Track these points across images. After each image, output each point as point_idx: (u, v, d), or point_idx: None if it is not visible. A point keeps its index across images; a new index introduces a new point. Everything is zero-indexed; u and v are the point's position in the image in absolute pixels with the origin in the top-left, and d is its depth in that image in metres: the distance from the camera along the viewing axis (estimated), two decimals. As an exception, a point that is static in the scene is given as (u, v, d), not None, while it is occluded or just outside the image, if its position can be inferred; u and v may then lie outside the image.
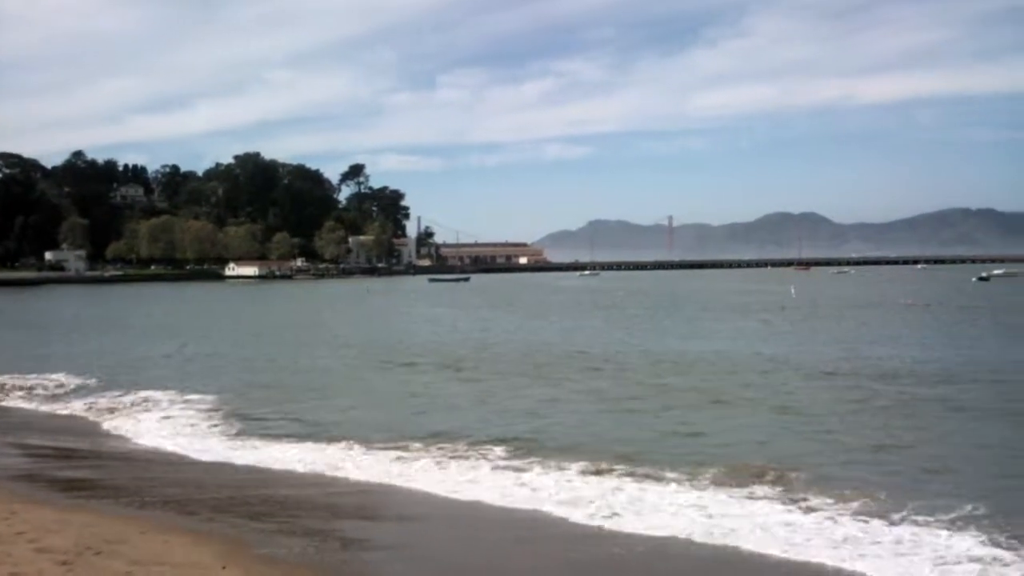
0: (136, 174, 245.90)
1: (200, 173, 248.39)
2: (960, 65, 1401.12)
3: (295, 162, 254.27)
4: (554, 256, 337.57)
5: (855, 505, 15.28)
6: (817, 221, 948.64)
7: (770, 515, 14.84)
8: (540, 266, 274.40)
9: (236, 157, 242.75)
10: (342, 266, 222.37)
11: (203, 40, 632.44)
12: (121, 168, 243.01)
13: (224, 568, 12.06)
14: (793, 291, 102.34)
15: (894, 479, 17.04)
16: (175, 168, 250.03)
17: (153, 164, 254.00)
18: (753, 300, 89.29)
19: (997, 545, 13.15)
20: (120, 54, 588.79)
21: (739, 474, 17.50)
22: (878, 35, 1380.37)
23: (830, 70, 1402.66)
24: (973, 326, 52.93)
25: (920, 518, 14.53)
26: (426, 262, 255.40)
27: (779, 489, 16.48)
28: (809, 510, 15.14)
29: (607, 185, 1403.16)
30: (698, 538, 13.85)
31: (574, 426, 23.26)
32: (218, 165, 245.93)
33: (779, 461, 18.43)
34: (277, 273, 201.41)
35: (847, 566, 12.52)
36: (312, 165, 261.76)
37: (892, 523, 14.36)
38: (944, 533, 13.74)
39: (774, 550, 13.18)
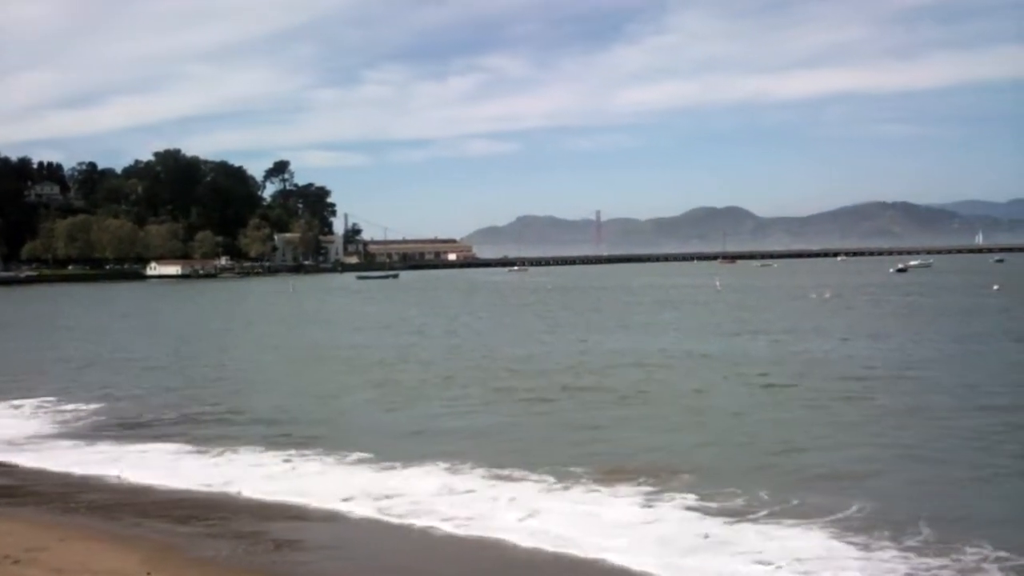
0: (51, 172, 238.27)
1: (119, 171, 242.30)
2: (873, 63, 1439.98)
3: (218, 159, 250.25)
4: (483, 252, 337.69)
5: (713, 505, 15.07)
6: (741, 215, 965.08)
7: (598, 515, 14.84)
8: (469, 262, 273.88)
9: (156, 154, 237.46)
10: (268, 264, 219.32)
11: (119, 33, 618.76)
12: (36, 166, 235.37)
13: (149, 574, 11.98)
14: (718, 284, 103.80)
15: (780, 479, 16.76)
16: (92, 165, 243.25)
17: (69, 162, 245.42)
18: (680, 294, 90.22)
19: (845, 543, 13.07)
20: (32, 47, 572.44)
21: (605, 473, 17.22)
22: (795, 33, 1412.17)
23: (750, 67, 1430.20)
24: (897, 319, 54.05)
25: (778, 519, 14.27)
26: (354, 259, 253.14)
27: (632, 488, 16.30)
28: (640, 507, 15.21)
29: (535, 181, 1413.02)
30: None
31: (459, 427, 23.01)
32: (137, 162, 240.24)
33: (658, 461, 18.26)
34: (201, 272, 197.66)
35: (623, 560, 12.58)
36: (235, 162, 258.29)
37: (729, 521, 14.29)
38: (791, 532, 13.57)
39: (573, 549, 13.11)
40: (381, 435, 21.96)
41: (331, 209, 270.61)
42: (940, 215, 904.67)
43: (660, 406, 24.79)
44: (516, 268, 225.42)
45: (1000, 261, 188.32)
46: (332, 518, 15.32)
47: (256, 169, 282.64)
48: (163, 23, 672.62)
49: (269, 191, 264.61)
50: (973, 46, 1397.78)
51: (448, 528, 14.37)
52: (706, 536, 13.52)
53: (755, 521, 14.24)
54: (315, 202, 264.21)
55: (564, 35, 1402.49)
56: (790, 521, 14.11)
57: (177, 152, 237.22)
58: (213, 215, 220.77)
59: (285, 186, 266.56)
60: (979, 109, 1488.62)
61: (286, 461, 19.33)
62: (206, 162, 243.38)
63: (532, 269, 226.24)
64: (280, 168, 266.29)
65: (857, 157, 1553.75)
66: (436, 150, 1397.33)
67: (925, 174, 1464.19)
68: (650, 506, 15.23)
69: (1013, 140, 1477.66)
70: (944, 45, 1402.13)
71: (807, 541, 13.24)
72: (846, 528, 13.73)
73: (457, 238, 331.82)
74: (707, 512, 14.71)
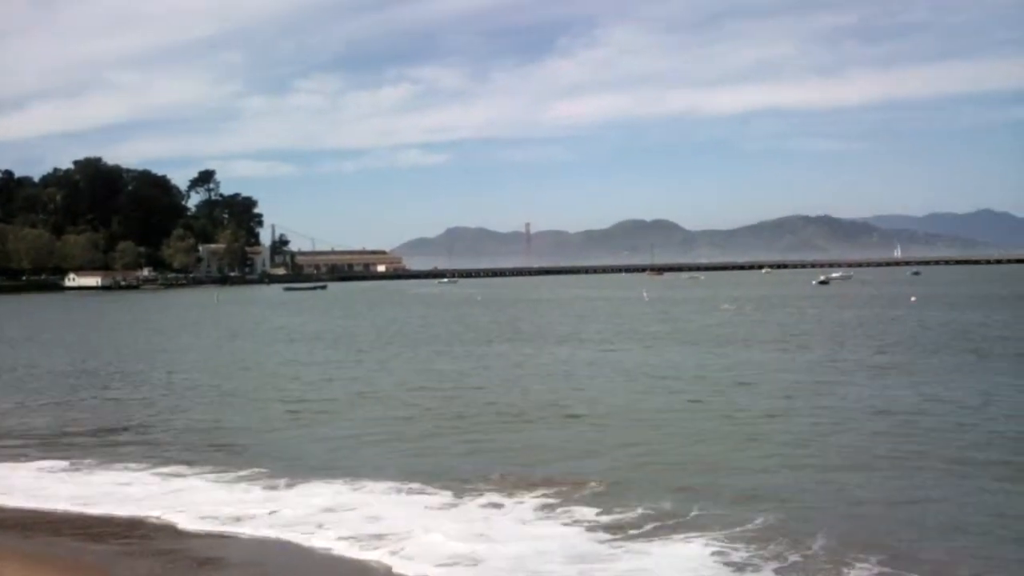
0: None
1: (36, 179, 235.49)
2: (798, 79, 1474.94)
3: (142, 168, 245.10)
4: (413, 264, 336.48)
5: (606, 519, 14.95)
6: (669, 228, 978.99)
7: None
8: (399, 274, 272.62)
9: (76, 162, 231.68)
10: (192, 275, 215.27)
11: (39, 39, 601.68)
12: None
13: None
14: (646, 296, 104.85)
15: (690, 492, 16.56)
16: (8, 173, 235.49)
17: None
18: (609, 307, 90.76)
19: (720, 561, 12.95)
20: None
21: (511, 487, 17.04)
22: (724, 49, 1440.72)
23: (680, 81, 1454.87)
24: (823, 330, 55.00)
25: (669, 533, 14.18)
26: (281, 271, 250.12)
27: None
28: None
29: (465, 192, 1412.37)
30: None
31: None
32: (56, 171, 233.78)
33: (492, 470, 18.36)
34: (122, 283, 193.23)
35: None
36: (161, 171, 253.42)
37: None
38: (671, 549, 13.48)
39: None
40: (288, 450, 21.50)
41: (258, 220, 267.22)
42: (860, 229, 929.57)
43: (580, 420, 24.54)
44: (446, 280, 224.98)
45: (917, 274, 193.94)
46: (235, 538, 14.79)
47: (183, 178, 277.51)
48: (85, 29, 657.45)
49: (194, 201, 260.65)
50: (893, 65, 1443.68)
51: (340, 547, 14.04)
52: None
53: (643, 535, 14.12)
54: (242, 212, 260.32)
55: (497, 48, 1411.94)
56: (679, 535, 13.97)
57: (98, 160, 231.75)
58: (135, 225, 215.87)
59: (211, 196, 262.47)
60: (898, 126, 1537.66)
61: (196, 477, 18.74)
62: (128, 171, 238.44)
63: (462, 281, 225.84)
64: (205, 177, 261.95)
65: (781, 172, 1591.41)
66: (367, 161, 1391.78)
67: (846, 189, 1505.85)
68: (542, 520, 15.08)
69: (930, 157, 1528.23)
70: (866, 64, 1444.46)
71: (684, 556, 13.10)
72: (736, 541, 13.57)
73: (387, 250, 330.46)
74: (596, 526, 14.57)
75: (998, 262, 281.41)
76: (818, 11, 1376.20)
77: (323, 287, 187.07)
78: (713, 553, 13.18)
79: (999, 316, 59.72)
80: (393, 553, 13.59)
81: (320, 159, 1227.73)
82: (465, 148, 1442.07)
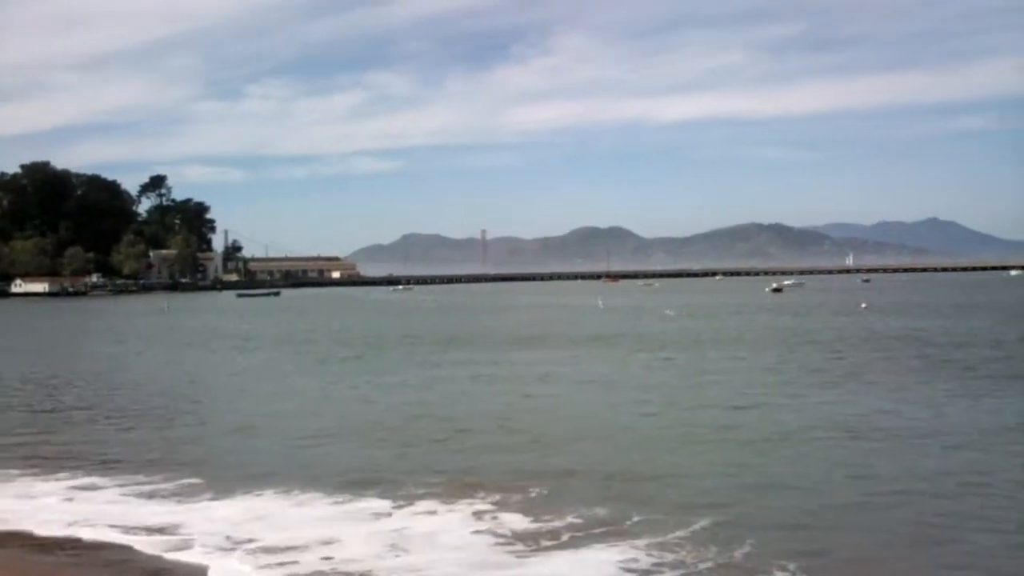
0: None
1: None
2: (749, 88, 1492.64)
3: (91, 172, 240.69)
4: (368, 270, 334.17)
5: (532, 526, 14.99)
6: (623, 235, 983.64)
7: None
8: (353, 280, 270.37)
9: (23, 166, 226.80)
10: (142, 282, 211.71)
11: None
12: None
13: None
14: (600, 303, 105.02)
15: (626, 500, 16.54)
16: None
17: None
18: (567, 314, 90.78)
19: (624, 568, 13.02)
20: None
21: (448, 495, 17.02)
22: (676, 57, 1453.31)
23: (633, 89, 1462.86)
24: (780, 339, 55.38)
25: (593, 541, 14.21)
26: (234, 277, 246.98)
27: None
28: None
29: (420, 199, 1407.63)
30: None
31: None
32: (3, 175, 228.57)
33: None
34: (70, 289, 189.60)
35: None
36: (111, 176, 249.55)
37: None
38: (584, 555, 13.54)
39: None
40: (221, 460, 21.10)
41: (210, 225, 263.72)
42: (812, 237, 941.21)
43: (524, 429, 24.24)
44: (401, 287, 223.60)
45: (867, 281, 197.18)
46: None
47: (133, 183, 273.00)
48: (33, 30, 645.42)
49: (145, 206, 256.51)
50: (842, 75, 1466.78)
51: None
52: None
53: (564, 543, 14.11)
54: (194, 218, 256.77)
55: (450, 54, 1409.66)
56: (600, 543, 13.97)
57: (45, 164, 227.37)
58: (84, 231, 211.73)
59: (162, 201, 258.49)
60: (847, 135, 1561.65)
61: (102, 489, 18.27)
62: (77, 175, 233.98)
63: (417, 288, 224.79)
64: (156, 183, 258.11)
65: (734, 180, 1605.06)
66: (320, 167, 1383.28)
67: (798, 197, 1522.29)
68: (464, 527, 15.04)
69: (879, 166, 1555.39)
70: (815, 73, 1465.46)
71: (591, 563, 13.11)
72: (657, 549, 13.61)
73: (341, 256, 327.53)
74: (518, 534, 14.55)
75: (944, 270, 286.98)
76: (767, 21, 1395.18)
77: (276, 293, 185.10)
78: (623, 560, 13.14)
79: (946, 324, 60.63)
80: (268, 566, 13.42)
81: (273, 165, 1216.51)
82: (419, 155, 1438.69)
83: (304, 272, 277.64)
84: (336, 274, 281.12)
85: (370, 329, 70.38)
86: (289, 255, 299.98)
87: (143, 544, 14.66)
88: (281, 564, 13.43)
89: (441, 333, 62.92)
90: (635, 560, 13.17)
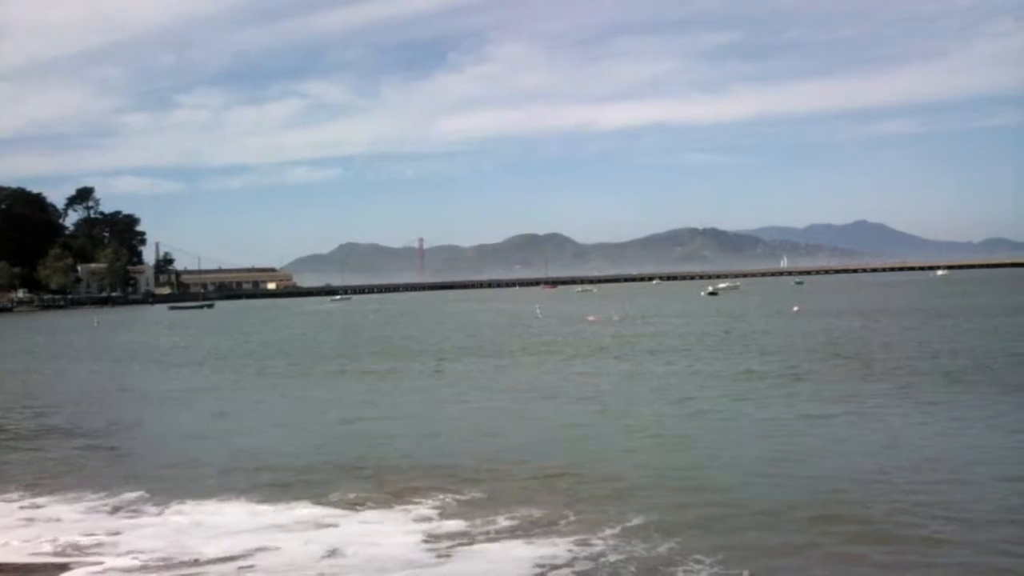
0: None
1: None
2: (684, 95, 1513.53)
3: (15, 185, 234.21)
4: (305, 280, 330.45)
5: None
6: (561, 241, 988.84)
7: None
8: (290, 291, 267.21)
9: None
10: (71, 297, 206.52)
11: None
12: None
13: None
14: (538, 311, 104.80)
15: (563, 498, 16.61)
16: None
17: None
18: (505, 320, 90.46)
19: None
20: None
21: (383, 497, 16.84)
22: (612, 65, 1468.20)
23: (570, 97, 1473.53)
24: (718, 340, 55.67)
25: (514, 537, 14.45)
26: (166, 290, 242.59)
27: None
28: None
29: (357, 208, 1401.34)
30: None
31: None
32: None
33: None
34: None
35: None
36: (36, 188, 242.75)
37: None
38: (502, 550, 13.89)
39: None
40: (148, 472, 20.26)
41: (141, 238, 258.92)
42: (746, 240, 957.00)
43: (466, 435, 24.02)
44: (339, 297, 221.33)
45: (800, 283, 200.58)
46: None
47: (60, 196, 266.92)
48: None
49: (72, 219, 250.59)
50: (774, 81, 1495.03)
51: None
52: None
53: (488, 540, 14.42)
54: (123, 231, 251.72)
55: (386, 62, 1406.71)
56: (523, 540, 14.28)
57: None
58: (8, 245, 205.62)
59: (90, 214, 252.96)
60: (780, 140, 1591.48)
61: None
62: (1, 188, 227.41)
63: (356, 297, 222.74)
64: (84, 195, 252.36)
65: (670, 185, 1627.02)
66: (254, 177, 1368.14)
67: (732, 202, 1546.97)
68: (390, 528, 15.31)
69: (810, 170, 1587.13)
70: (749, 80, 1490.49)
71: (506, 560, 13.37)
72: (580, 545, 13.93)
73: (277, 267, 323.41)
74: (445, 534, 14.82)
75: (875, 271, 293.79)
76: (702, 29, 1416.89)
77: (210, 305, 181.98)
78: (540, 555, 13.45)
79: (878, 325, 61.64)
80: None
81: (205, 175, 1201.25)
82: (355, 163, 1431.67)
83: (239, 284, 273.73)
84: (272, 285, 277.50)
85: (310, 338, 69.25)
86: (223, 267, 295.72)
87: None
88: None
89: (384, 342, 62.14)
90: (555, 556, 13.50)
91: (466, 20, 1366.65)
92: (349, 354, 53.70)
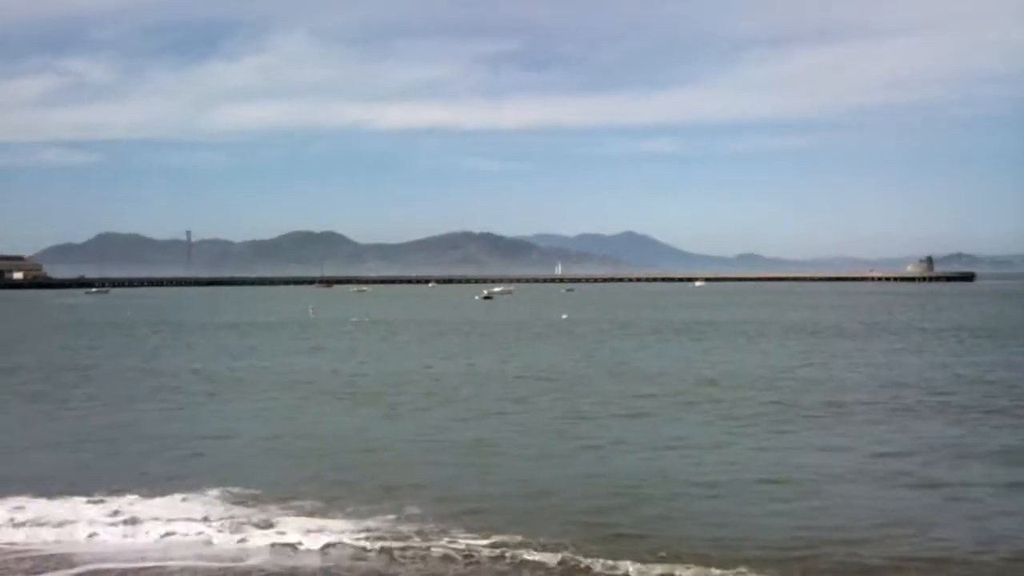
0: None
1: None
2: (463, 100, 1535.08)
3: None
4: (57, 271, 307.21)
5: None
6: (337, 240, 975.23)
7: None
8: (39, 282, 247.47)
9: None
10: None
11: None
12: None
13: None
14: (311, 311, 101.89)
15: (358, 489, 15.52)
16: None
17: None
18: (276, 320, 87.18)
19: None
20: None
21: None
22: (391, 65, 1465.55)
23: (349, 94, 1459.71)
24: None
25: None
26: None
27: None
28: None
29: (119, 196, 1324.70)
30: None
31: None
32: None
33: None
34: None
35: None
36: None
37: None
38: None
39: None
40: None
41: None
42: (521, 246, 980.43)
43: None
44: (95, 290, 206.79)
45: (570, 290, 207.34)
46: None
47: None
48: None
49: None
50: (551, 92, 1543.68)
51: None
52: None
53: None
54: None
55: (155, 45, 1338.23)
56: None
57: None
58: None
59: None
60: (554, 151, 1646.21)
61: None
62: None
63: (114, 291, 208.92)
64: None
65: (448, 189, 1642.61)
66: (3, 157, 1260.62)
67: (508, 208, 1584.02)
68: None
69: (581, 181, 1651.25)
70: (527, 89, 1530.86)
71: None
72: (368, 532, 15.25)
73: (25, 255, 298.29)
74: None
75: (640, 280, 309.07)
76: (484, 36, 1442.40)
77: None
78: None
79: (641, 339, 63.65)
80: None
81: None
82: (118, 149, 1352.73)
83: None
84: (18, 275, 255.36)
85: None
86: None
87: None
88: None
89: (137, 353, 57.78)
90: (342, 543, 14.87)
91: (242, 7, 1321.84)
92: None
